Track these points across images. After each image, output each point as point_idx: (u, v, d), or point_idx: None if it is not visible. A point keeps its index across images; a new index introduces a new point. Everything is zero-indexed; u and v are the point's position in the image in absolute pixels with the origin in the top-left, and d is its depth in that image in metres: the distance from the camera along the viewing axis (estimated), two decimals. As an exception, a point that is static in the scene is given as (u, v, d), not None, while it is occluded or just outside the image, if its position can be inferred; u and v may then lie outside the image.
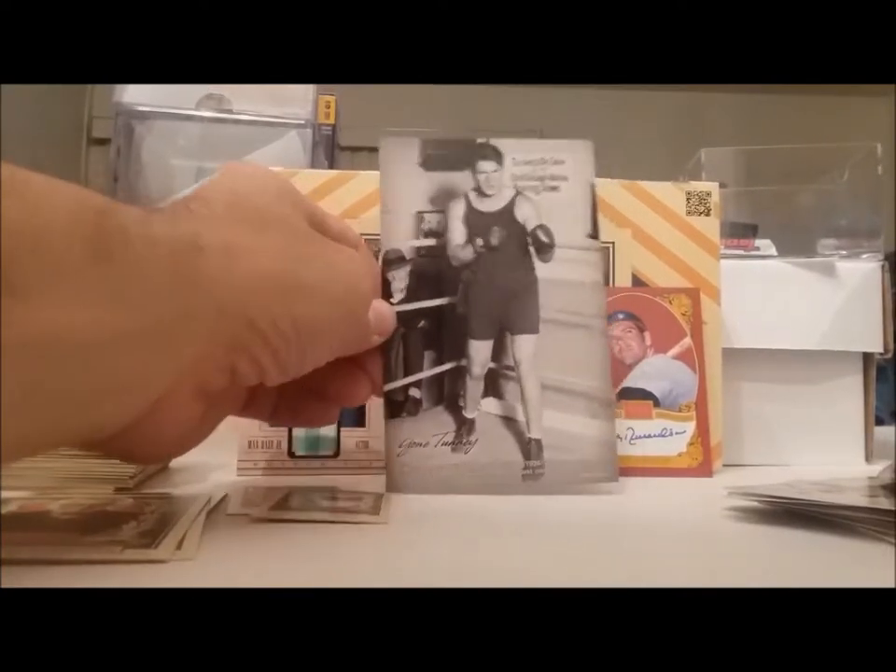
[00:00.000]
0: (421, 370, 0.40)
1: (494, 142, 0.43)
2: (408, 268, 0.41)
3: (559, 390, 0.40)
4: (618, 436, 0.46)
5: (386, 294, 0.39)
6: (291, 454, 0.45)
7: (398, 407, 0.39)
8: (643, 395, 0.47)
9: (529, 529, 0.31)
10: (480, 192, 0.42)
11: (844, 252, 0.56)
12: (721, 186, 0.51)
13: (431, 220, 0.42)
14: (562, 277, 0.42)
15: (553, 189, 0.43)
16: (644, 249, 0.49)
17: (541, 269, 0.42)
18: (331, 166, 0.80)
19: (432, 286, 0.41)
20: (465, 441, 0.39)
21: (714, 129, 2.96)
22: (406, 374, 0.40)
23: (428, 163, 0.42)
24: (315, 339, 0.30)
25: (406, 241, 0.41)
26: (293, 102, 0.72)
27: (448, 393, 0.40)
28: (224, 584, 0.23)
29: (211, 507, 0.33)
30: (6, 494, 0.33)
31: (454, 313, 0.41)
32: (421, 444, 0.39)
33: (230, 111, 0.73)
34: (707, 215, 0.50)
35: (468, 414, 0.40)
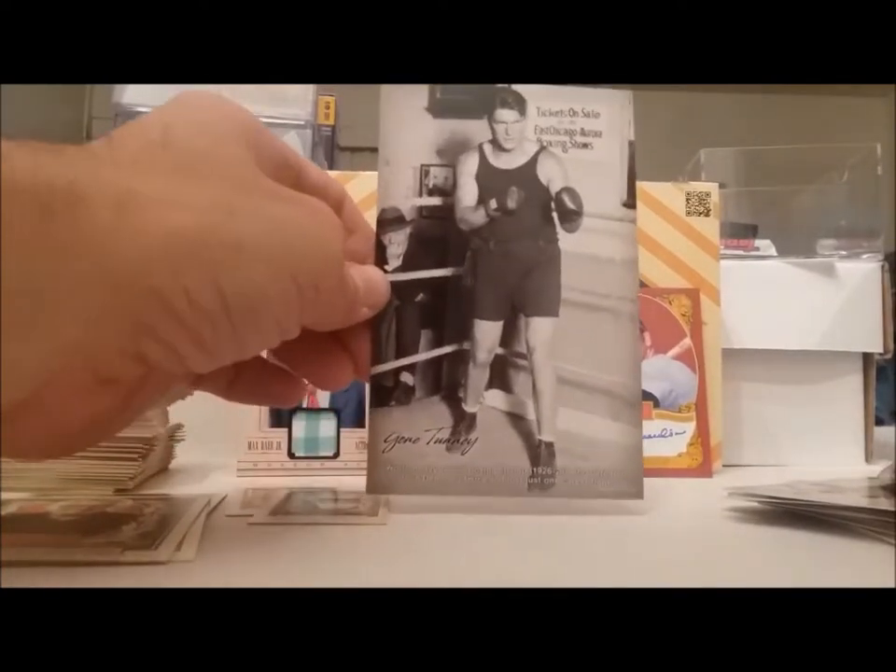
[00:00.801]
0: (416, 352, 0.35)
1: (517, 87, 0.37)
2: (408, 230, 0.35)
3: (578, 385, 0.35)
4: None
5: (380, 260, 0.34)
6: (291, 454, 0.45)
7: (386, 394, 0.34)
8: (643, 395, 0.47)
9: (528, 529, 0.31)
10: (497, 145, 0.36)
11: (843, 252, 0.56)
12: (721, 186, 0.51)
13: (438, 176, 0.36)
14: (589, 251, 0.36)
15: (585, 146, 0.36)
16: (644, 250, 0.49)
17: (565, 240, 0.35)
18: (331, 167, 0.80)
19: (435, 253, 0.35)
20: (463, 439, 0.34)
21: (714, 129, 2.96)
22: (398, 356, 0.34)
23: (437, 109, 0.36)
24: (256, 316, 0.24)
25: (407, 199, 0.35)
26: (293, 102, 0.72)
27: (446, 381, 0.35)
28: (223, 585, 0.23)
29: (211, 508, 0.33)
30: (5, 495, 0.33)
31: (458, 286, 0.35)
32: (411, 440, 0.34)
33: (229, 112, 0.72)
34: (707, 215, 0.50)
35: (468, 408, 0.35)
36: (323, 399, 0.46)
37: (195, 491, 0.37)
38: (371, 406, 0.34)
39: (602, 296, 0.36)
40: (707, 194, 0.50)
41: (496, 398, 0.35)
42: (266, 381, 0.31)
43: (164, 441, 0.43)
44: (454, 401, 0.35)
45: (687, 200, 0.50)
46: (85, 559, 0.24)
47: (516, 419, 0.35)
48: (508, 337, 0.36)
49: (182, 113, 0.25)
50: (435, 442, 0.34)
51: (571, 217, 0.36)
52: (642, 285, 0.49)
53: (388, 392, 0.34)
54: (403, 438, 0.34)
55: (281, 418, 0.45)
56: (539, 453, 0.34)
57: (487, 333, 0.35)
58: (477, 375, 0.35)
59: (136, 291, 0.21)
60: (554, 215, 0.36)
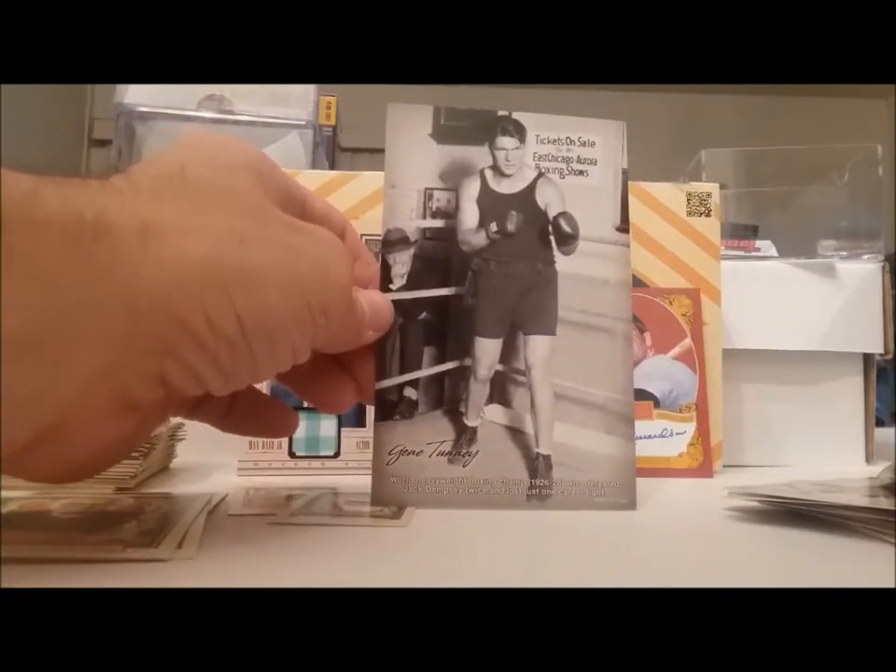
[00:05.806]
0: (419, 368, 0.36)
1: (517, 115, 0.38)
2: (411, 251, 0.36)
3: (574, 401, 0.36)
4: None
5: (385, 280, 0.35)
6: (292, 454, 0.45)
7: (390, 408, 0.35)
8: (643, 395, 0.47)
9: (534, 531, 0.31)
10: (497, 171, 0.37)
11: (844, 253, 0.56)
12: (722, 187, 0.51)
13: (441, 199, 0.37)
14: (584, 273, 0.37)
15: (581, 173, 0.38)
16: (644, 250, 0.49)
17: (562, 262, 0.37)
18: (332, 167, 0.80)
19: (438, 273, 0.37)
20: (464, 452, 0.35)
21: (714, 130, 2.96)
22: (402, 372, 0.36)
23: (441, 135, 0.37)
24: (271, 339, 0.25)
25: (411, 220, 0.37)
26: (294, 103, 0.72)
27: (448, 396, 0.36)
28: (224, 584, 0.23)
29: (211, 507, 0.33)
30: (6, 493, 0.33)
31: (460, 305, 0.37)
32: (414, 452, 0.35)
33: (230, 112, 0.73)
34: (708, 216, 0.50)
35: (469, 422, 0.36)
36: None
37: (196, 490, 0.37)
38: (376, 420, 0.35)
39: (597, 315, 0.37)
40: (708, 195, 0.50)
41: (495, 412, 0.36)
42: (260, 411, 0.32)
43: (165, 439, 0.43)
44: (455, 416, 0.36)
45: (688, 200, 0.50)
46: (86, 557, 0.24)
47: (515, 433, 0.36)
48: (507, 354, 0.37)
49: (195, 151, 0.26)
50: (437, 455, 0.35)
51: (568, 241, 0.37)
52: (643, 284, 0.49)
53: (393, 406, 0.35)
54: (407, 450, 0.35)
55: (281, 418, 0.45)
56: (537, 465, 0.35)
57: (487, 350, 0.37)
58: (478, 390, 0.36)
59: (159, 317, 0.22)
60: (552, 238, 0.37)
